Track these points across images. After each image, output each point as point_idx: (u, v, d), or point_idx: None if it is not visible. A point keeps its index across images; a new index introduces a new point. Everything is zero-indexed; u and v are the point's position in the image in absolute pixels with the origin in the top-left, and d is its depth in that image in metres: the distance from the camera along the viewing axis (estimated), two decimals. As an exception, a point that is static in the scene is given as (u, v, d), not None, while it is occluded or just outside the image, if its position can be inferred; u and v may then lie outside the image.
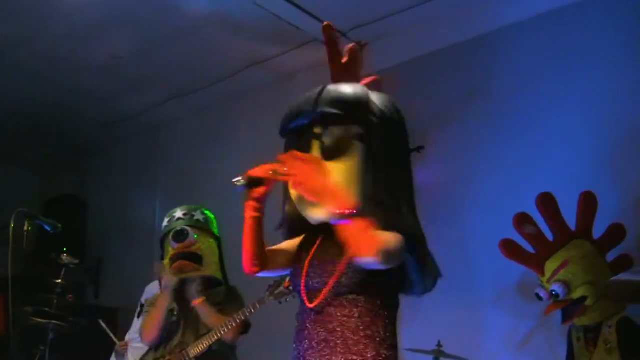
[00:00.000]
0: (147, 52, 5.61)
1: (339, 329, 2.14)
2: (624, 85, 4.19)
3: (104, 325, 4.87)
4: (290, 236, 2.41)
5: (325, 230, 2.23)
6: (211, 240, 4.09)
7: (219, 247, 4.13)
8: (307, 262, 2.29)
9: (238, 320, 3.81)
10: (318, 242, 2.32)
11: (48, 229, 4.22)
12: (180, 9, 4.98)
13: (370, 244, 2.00)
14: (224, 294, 4.07)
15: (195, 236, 4.00)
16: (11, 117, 6.73)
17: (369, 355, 2.11)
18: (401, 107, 2.33)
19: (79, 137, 7.21)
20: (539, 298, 3.63)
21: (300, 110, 2.26)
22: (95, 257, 7.30)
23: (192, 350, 3.84)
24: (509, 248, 3.67)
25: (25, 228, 3.96)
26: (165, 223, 4.13)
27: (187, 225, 3.99)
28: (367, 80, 2.49)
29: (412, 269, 2.19)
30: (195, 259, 3.97)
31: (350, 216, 2.00)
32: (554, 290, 3.51)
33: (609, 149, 4.17)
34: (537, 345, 4.22)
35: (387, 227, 2.08)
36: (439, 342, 3.94)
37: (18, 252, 3.76)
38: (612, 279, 3.32)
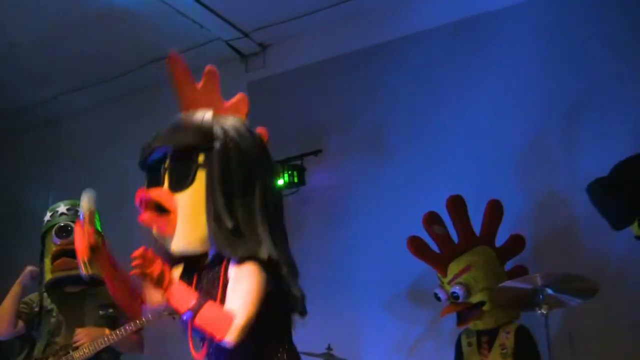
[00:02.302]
0: (47, 42, 5.41)
1: None
2: (526, 94, 4.34)
3: None
4: None
5: None
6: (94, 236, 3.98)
7: (102, 243, 4.01)
8: None
9: (133, 327, 3.66)
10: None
11: None
12: (82, -1, 4.84)
13: (223, 330, 2.04)
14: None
15: None
16: None
17: None
18: (252, 128, 2.34)
19: (-29, 128, 6.93)
20: (437, 298, 3.73)
21: (150, 147, 2.30)
22: (-17, 252, 7.03)
23: (77, 354, 3.70)
24: (417, 245, 3.74)
25: None
26: (47, 217, 4.06)
27: (71, 221, 3.90)
28: (232, 101, 2.50)
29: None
30: None
31: (191, 313, 2.07)
32: (454, 292, 3.60)
33: (512, 156, 4.30)
34: (426, 350, 4.31)
35: (242, 254, 2.11)
36: (329, 345, 3.97)
37: None
38: (501, 284, 3.43)
